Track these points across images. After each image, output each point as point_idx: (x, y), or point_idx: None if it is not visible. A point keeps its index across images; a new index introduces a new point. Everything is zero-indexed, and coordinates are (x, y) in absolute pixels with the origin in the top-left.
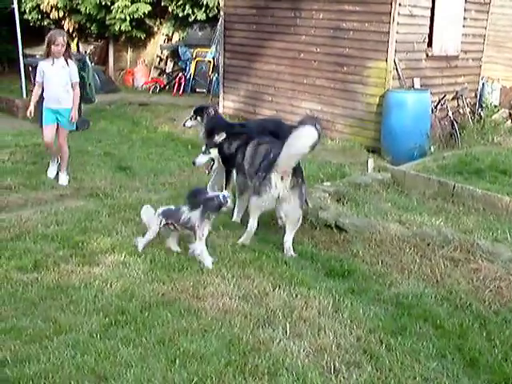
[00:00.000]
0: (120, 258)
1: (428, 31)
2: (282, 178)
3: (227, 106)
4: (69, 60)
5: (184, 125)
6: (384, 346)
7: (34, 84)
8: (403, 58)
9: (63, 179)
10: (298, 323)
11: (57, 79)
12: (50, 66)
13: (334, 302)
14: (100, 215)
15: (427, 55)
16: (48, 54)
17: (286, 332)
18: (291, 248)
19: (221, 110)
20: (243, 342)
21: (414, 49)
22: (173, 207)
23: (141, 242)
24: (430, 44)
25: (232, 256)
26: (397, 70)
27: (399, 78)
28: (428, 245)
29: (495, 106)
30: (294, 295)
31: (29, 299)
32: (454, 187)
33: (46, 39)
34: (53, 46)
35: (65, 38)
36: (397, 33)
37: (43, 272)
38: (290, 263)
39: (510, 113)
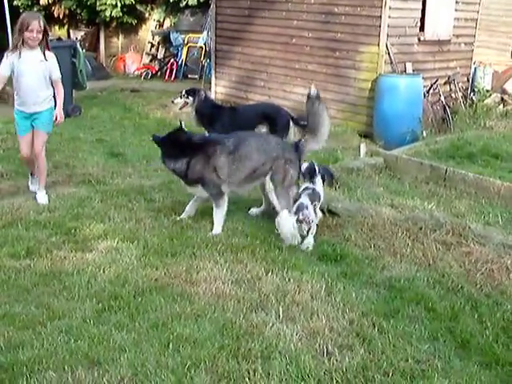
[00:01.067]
0: (113, 243)
1: (420, 15)
2: None
3: (219, 91)
4: (47, 52)
5: (172, 101)
6: (376, 328)
7: None
8: (395, 42)
9: (42, 197)
10: (290, 307)
11: (32, 76)
12: (21, 60)
13: (327, 286)
14: (92, 201)
15: (419, 39)
16: (19, 44)
17: (279, 316)
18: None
19: (213, 96)
20: (236, 326)
21: (406, 33)
22: None
23: None
24: (422, 28)
25: (225, 241)
26: (389, 54)
27: (391, 63)
28: (420, 229)
29: (487, 91)
30: (286, 279)
31: (22, 286)
32: (446, 171)
33: (18, 24)
34: (26, 33)
35: (41, 22)
36: (389, 17)
37: (36, 259)
38: (283, 248)
39: (501, 97)
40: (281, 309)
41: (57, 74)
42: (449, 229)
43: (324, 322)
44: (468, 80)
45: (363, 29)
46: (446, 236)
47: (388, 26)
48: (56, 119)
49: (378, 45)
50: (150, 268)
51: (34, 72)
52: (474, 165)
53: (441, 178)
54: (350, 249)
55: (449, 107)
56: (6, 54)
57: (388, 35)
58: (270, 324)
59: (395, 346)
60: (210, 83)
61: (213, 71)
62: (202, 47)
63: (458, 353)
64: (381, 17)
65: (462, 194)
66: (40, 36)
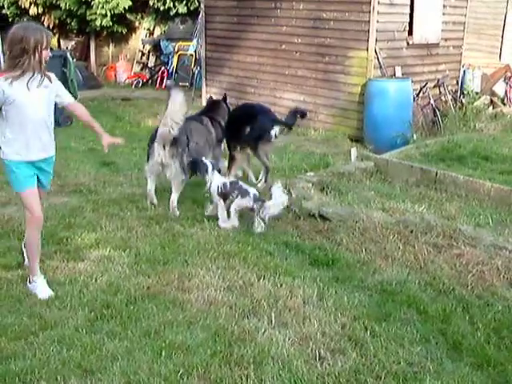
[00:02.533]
0: (105, 252)
1: (408, 19)
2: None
3: None
4: (48, 73)
5: None
6: (368, 332)
7: None
8: (384, 46)
9: (43, 290)
10: (282, 312)
11: (38, 109)
12: (25, 89)
13: (319, 291)
14: (84, 211)
15: (408, 43)
16: (32, 66)
17: (271, 321)
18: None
19: (204, 104)
20: (228, 332)
21: (395, 37)
22: None
23: None
24: (410, 32)
25: (216, 248)
26: (378, 59)
27: (380, 67)
28: (411, 232)
29: (476, 93)
30: (278, 285)
31: (14, 296)
32: (436, 174)
33: (27, 42)
34: (44, 52)
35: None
36: (377, 22)
37: (27, 269)
38: (275, 254)
39: (491, 99)
40: (273, 314)
41: (70, 98)
42: (439, 231)
43: (316, 326)
44: (457, 83)
45: (352, 34)
46: (436, 238)
47: (376, 30)
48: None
49: (367, 49)
50: (142, 276)
51: (41, 103)
52: (464, 167)
53: (431, 180)
54: (341, 253)
55: (439, 110)
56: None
57: (377, 40)
58: (263, 330)
59: (387, 349)
60: (201, 90)
61: (203, 78)
62: (192, 55)
63: (450, 354)
64: (369, 22)
65: (452, 196)
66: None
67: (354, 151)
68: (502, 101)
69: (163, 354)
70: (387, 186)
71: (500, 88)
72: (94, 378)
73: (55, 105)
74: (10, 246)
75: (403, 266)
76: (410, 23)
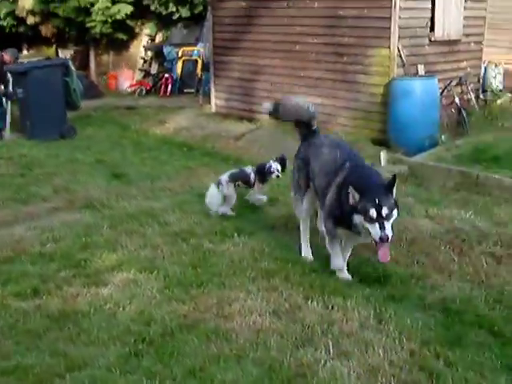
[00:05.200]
0: (129, 275)
1: (430, 15)
2: None
3: (220, 104)
4: None
5: None
6: (442, 360)
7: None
8: (407, 44)
9: None
10: (340, 339)
11: None
12: None
13: (376, 312)
14: (100, 228)
15: (430, 40)
16: None
17: (329, 351)
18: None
19: (213, 110)
20: (285, 366)
21: (417, 34)
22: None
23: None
24: (432, 28)
25: (253, 265)
26: (401, 56)
27: (403, 66)
28: (463, 241)
29: (500, 91)
30: (329, 307)
31: (32, 331)
32: (477, 177)
33: None
34: None
35: None
36: (399, 18)
37: (45, 297)
38: (320, 271)
39: None
40: (330, 342)
41: None
42: (496, 240)
43: (381, 355)
44: (479, 80)
45: (372, 31)
46: (493, 248)
47: (399, 27)
48: None
49: (390, 47)
50: (175, 302)
51: None
52: (502, 168)
53: (472, 184)
54: (392, 268)
55: (464, 109)
56: None
57: (399, 37)
58: (322, 362)
59: (467, 381)
60: (209, 96)
61: (212, 84)
62: (197, 60)
63: None
64: (391, 18)
65: (498, 200)
66: None
67: (383, 155)
68: None
69: None
70: (425, 191)
71: None
72: None
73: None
74: (23, 270)
75: (463, 281)
76: (432, 19)
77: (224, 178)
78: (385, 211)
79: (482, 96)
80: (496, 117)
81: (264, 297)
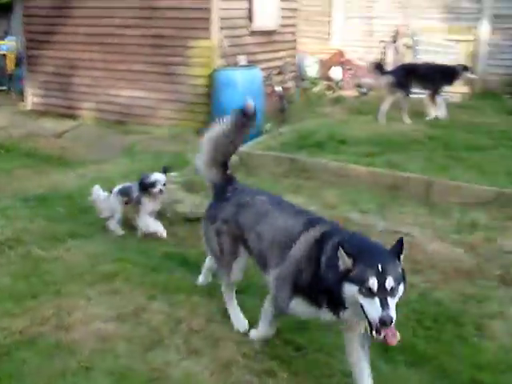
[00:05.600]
0: None
1: (249, 6)
2: None
3: (36, 101)
4: None
5: None
6: (291, 346)
7: None
8: (228, 34)
9: None
10: (189, 337)
11: None
12: None
13: (222, 307)
14: None
15: (249, 31)
16: None
17: (179, 350)
18: None
19: (29, 107)
20: (136, 373)
21: (237, 25)
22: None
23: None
24: (250, 19)
25: (91, 270)
26: (222, 47)
27: (225, 56)
28: None
29: (315, 79)
30: (175, 305)
31: None
32: (305, 162)
33: None
34: None
35: None
36: (219, 9)
37: None
38: (160, 269)
39: (328, 85)
40: (179, 341)
41: None
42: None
43: (233, 348)
44: (296, 69)
45: (192, 22)
46: None
47: (219, 18)
48: None
49: (210, 38)
50: (8, 317)
51: None
52: (325, 152)
53: (301, 170)
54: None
55: (284, 98)
56: None
57: (220, 27)
58: (173, 363)
59: (318, 361)
60: (23, 94)
61: (26, 81)
62: (5, 55)
63: None
64: (211, 8)
65: (325, 184)
66: None
67: None
68: (337, 84)
69: None
70: (255, 179)
71: (336, 73)
72: None
73: None
74: None
75: None
76: (250, 9)
77: (116, 188)
78: (390, 283)
79: (300, 85)
80: (314, 103)
81: (106, 302)
